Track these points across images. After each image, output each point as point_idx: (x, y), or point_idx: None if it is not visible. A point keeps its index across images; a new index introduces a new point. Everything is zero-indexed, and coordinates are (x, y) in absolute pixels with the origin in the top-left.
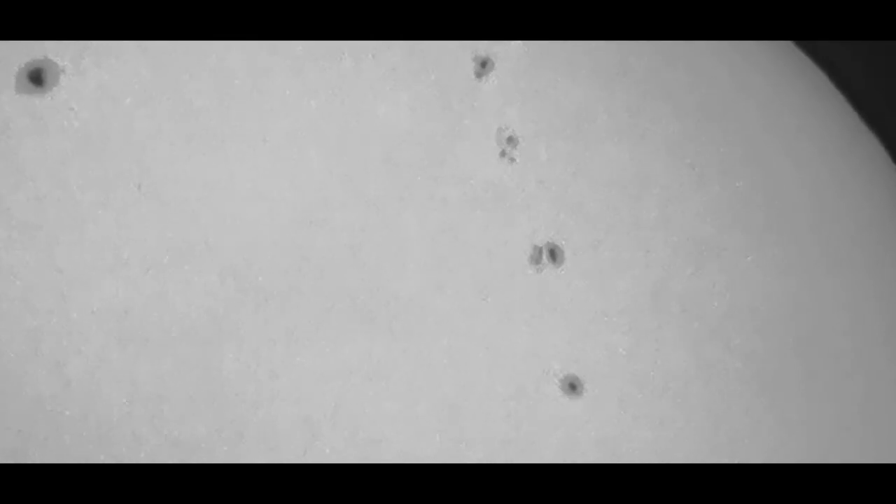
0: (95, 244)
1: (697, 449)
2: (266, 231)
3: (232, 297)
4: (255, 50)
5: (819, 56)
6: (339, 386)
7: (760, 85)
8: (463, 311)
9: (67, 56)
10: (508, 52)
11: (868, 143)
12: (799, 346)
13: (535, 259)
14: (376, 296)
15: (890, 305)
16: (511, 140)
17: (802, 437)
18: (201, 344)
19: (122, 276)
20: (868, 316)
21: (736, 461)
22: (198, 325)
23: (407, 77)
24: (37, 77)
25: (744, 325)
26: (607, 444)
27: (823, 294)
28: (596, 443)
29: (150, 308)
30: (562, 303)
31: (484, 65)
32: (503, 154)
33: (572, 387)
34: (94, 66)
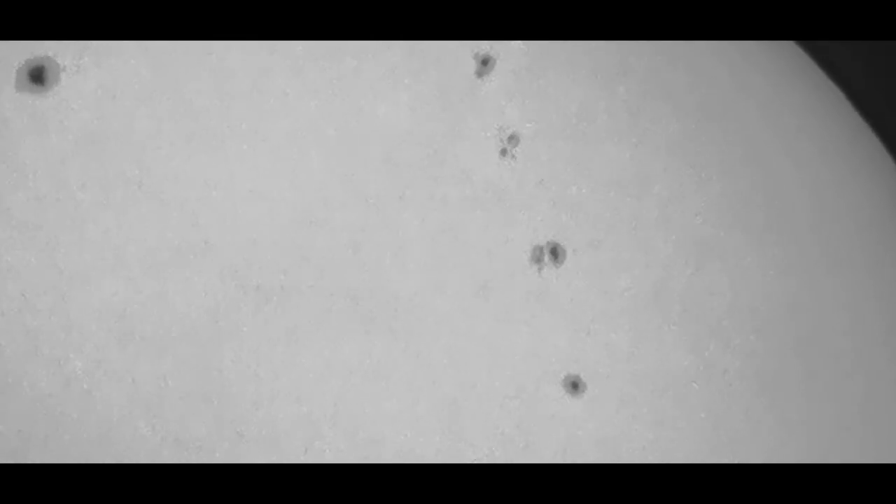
0: (95, 244)
1: (697, 449)
2: (266, 231)
3: (232, 297)
4: (255, 50)
5: (819, 56)
6: (340, 385)
7: (760, 85)
8: (463, 310)
9: (68, 55)
10: (509, 52)
11: (868, 143)
12: (799, 345)
13: (537, 259)
14: (376, 295)
15: (890, 305)
16: (511, 140)
17: (802, 437)
18: (201, 343)
19: (122, 276)
20: (868, 316)
21: (736, 461)
22: (198, 325)
23: (407, 77)
24: (37, 76)
25: (744, 324)
26: (607, 444)
27: (823, 294)
28: (596, 442)
29: (151, 308)
30: (562, 302)
31: (485, 63)
32: (504, 154)
33: (573, 386)
34: (95, 66)
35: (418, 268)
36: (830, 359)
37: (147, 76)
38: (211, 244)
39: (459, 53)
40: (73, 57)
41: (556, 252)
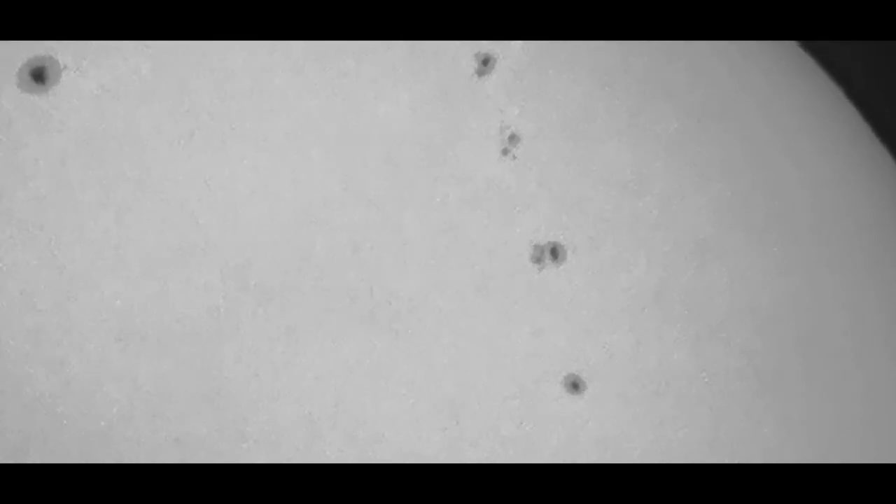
0: (96, 243)
1: (697, 449)
2: (266, 230)
3: (232, 297)
4: (255, 49)
5: (819, 56)
6: (340, 385)
7: (761, 84)
8: (463, 310)
9: (69, 55)
10: (510, 51)
11: (869, 143)
12: (799, 345)
13: (537, 258)
14: (377, 295)
15: (890, 305)
16: (512, 139)
17: (802, 437)
18: (202, 343)
19: (122, 276)
20: (868, 316)
21: (736, 461)
22: (198, 325)
23: (407, 76)
24: (39, 75)
25: (744, 324)
26: (608, 444)
27: (823, 294)
28: (597, 442)
29: (151, 307)
30: (562, 302)
31: (486, 63)
32: (504, 153)
33: (573, 386)
34: (95, 66)
35: (418, 267)
36: (830, 359)
37: (147, 76)
38: (211, 244)
39: (460, 53)
40: (74, 57)
41: (556, 252)
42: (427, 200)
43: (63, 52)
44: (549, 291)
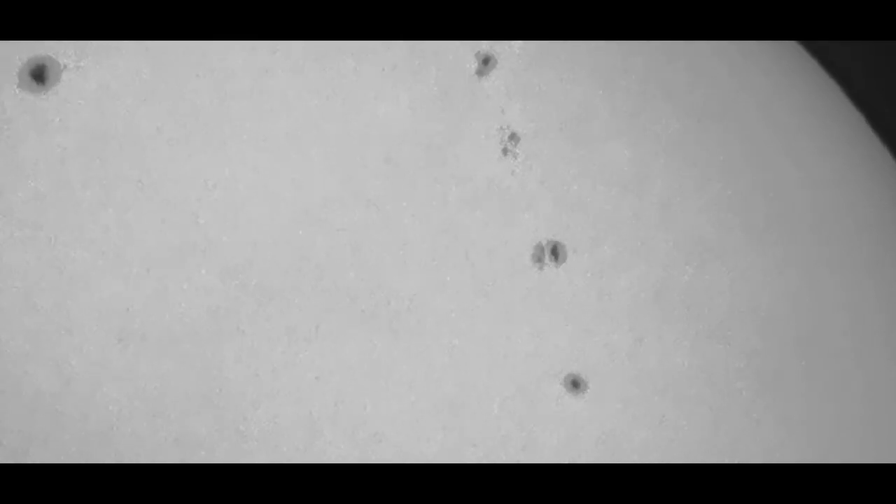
0: (96, 243)
1: (697, 449)
2: (267, 230)
3: (233, 296)
4: (255, 49)
5: (820, 56)
6: (340, 384)
7: (761, 84)
8: (464, 310)
9: (69, 54)
10: (510, 52)
11: (869, 143)
12: (799, 345)
13: (538, 258)
14: (377, 295)
15: (890, 305)
16: (512, 139)
17: (802, 437)
18: (202, 343)
19: (122, 275)
20: (868, 316)
21: (736, 461)
22: (198, 324)
23: (408, 76)
24: (39, 75)
25: (744, 324)
26: (608, 444)
27: (824, 294)
28: (597, 442)
29: (151, 307)
30: (563, 302)
31: (486, 62)
32: (505, 153)
33: (573, 386)
34: (96, 65)
35: (419, 267)
36: (830, 359)
37: (147, 75)
38: (211, 243)
39: (460, 53)
40: (74, 56)
41: (556, 251)
42: (427, 200)
43: (63, 52)
44: (550, 291)
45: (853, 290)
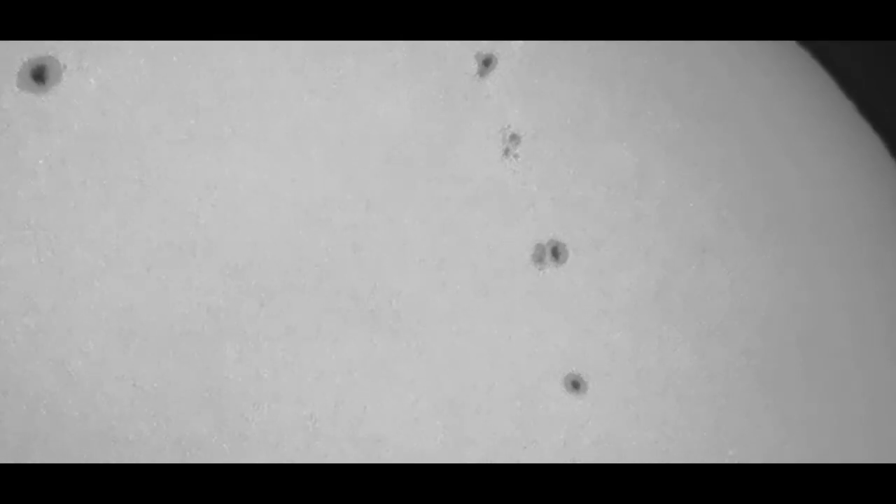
0: (96, 243)
1: (697, 449)
2: (267, 230)
3: (233, 296)
4: (255, 49)
5: (820, 55)
6: (341, 384)
7: (761, 84)
8: (464, 309)
9: (70, 54)
10: (510, 52)
11: (870, 143)
12: (800, 345)
13: (538, 258)
14: (377, 294)
15: (890, 305)
16: (513, 139)
17: (802, 437)
18: (203, 342)
19: (123, 275)
20: (868, 316)
21: (736, 461)
22: (199, 324)
23: (408, 75)
24: (39, 75)
25: (745, 324)
26: (609, 444)
27: (824, 293)
28: (597, 442)
29: (152, 306)
30: (563, 301)
31: (487, 63)
32: (506, 153)
33: (573, 386)
34: (96, 65)
35: (419, 267)
36: (830, 359)
37: (148, 75)
38: (212, 243)
39: (461, 53)
40: (74, 56)
41: (557, 251)
42: (427, 200)
43: (63, 52)
44: (550, 291)
45: (853, 290)
